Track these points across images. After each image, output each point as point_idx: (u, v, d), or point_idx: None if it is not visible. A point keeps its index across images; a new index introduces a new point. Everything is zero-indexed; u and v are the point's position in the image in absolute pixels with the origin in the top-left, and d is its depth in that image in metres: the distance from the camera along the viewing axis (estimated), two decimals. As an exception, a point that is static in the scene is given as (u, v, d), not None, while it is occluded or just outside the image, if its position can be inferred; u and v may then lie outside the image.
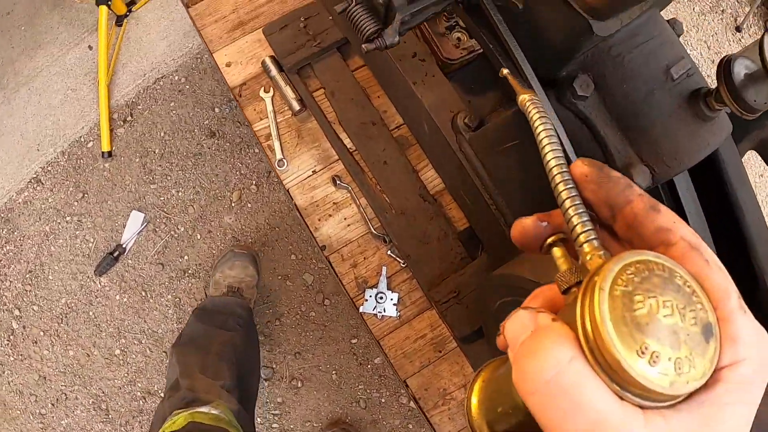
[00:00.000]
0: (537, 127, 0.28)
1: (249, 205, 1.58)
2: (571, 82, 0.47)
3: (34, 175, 1.68)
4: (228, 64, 1.07)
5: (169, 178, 1.63)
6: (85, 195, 1.64)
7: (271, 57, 1.03)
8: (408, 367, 0.90)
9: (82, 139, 1.69)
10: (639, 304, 0.19)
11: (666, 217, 0.23)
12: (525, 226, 0.26)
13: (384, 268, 0.92)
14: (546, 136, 0.27)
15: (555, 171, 0.25)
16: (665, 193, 0.53)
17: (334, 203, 0.94)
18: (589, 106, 0.48)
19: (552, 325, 0.21)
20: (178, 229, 1.59)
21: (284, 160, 0.95)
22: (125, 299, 1.58)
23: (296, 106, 0.97)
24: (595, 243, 0.23)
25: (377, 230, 0.92)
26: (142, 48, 1.78)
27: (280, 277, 1.54)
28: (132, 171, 1.64)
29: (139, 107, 1.70)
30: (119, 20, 1.80)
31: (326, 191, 0.95)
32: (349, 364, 1.52)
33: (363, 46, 0.40)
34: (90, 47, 1.82)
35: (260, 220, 1.57)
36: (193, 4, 1.12)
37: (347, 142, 0.96)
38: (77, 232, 1.63)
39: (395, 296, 0.91)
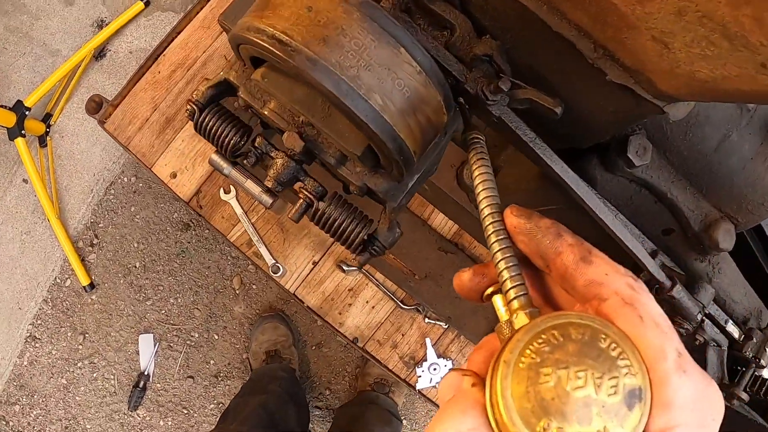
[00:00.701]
0: (474, 170, 0.28)
1: (254, 287, 1.48)
2: (620, 146, 0.37)
3: (28, 334, 1.57)
4: (173, 175, 0.94)
5: (161, 288, 1.51)
6: (86, 335, 1.54)
7: (217, 151, 0.90)
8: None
9: (58, 280, 1.57)
10: (545, 377, 0.19)
11: (598, 269, 0.22)
12: (462, 279, 0.27)
13: (427, 340, 0.82)
14: (482, 181, 0.27)
15: (488, 221, 0.25)
16: (753, 239, 0.42)
17: (349, 290, 0.84)
18: (648, 168, 0.37)
19: (469, 391, 0.22)
20: (192, 336, 1.49)
21: (278, 264, 0.84)
22: (169, 422, 1.50)
23: (267, 200, 0.84)
24: (523, 300, 0.23)
25: (405, 302, 0.82)
26: (78, 162, 1.63)
27: (313, 348, 1.46)
28: (121, 294, 1.52)
29: (101, 225, 1.56)
30: (42, 141, 1.64)
31: (336, 280, 0.84)
32: (415, 407, 1.46)
33: (354, 260, 0.29)
34: (25, 180, 1.66)
35: (271, 298, 1.47)
36: (107, 118, 0.97)
37: (336, 218, 0.84)
38: (94, 374, 1.53)
39: (449, 362, 0.82)
